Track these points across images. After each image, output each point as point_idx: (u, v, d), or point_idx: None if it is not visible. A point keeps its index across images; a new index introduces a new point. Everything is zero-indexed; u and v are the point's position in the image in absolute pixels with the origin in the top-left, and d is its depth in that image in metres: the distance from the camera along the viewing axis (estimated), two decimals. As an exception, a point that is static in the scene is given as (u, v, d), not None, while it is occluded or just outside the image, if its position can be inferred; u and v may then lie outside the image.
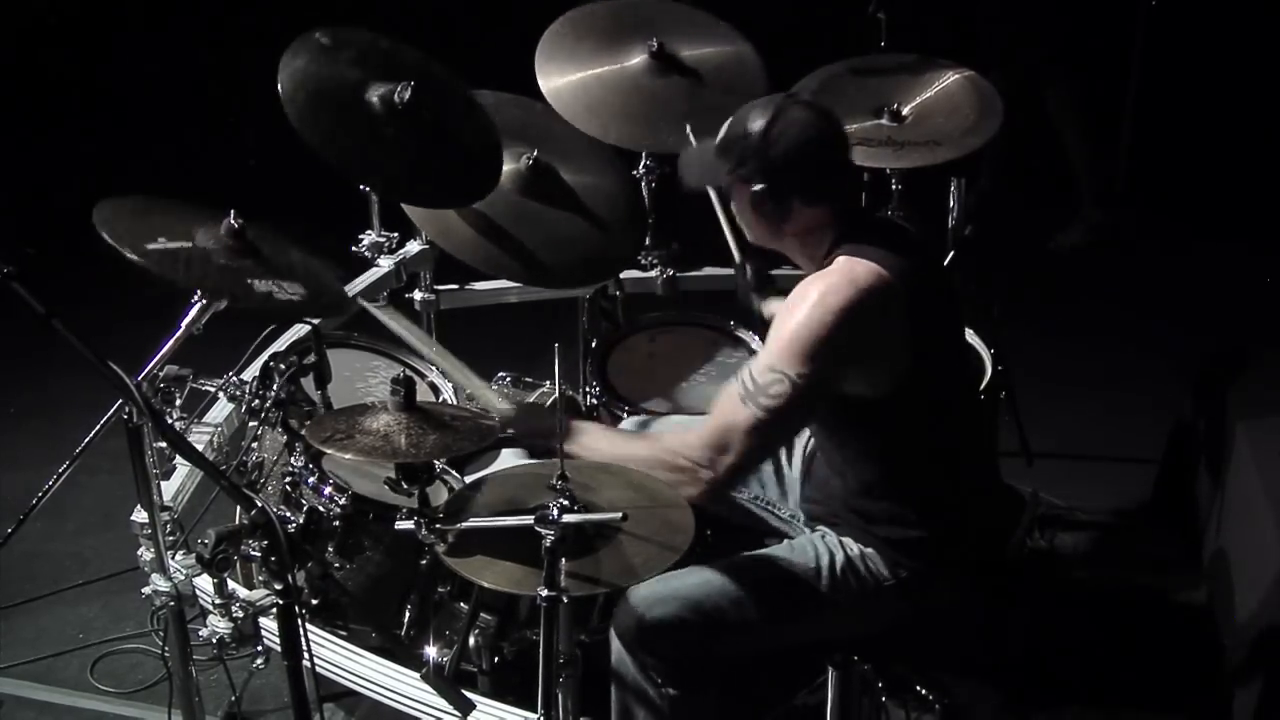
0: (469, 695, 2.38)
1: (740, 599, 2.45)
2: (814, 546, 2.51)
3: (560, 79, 3.29)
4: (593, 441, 2.48)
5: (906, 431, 2.41)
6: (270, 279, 2.49)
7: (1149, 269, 4.97)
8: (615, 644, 2.50)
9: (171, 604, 2.51)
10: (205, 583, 2.44)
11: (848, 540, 2.50)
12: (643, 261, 3.65)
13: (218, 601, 2.19)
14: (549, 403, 2.66)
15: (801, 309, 2.30)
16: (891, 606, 2.49)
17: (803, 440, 2.74)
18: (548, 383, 3.43)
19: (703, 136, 2.60)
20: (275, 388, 2.73)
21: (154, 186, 2.56)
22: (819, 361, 2.28)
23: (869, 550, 2.48)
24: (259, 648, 2.31)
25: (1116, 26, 5.21)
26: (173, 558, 2.53)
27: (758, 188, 2.37)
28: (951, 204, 3.38)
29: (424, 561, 2.75)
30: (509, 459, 2.89)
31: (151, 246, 2.36)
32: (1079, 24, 4.94)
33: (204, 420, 3.00)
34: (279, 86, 2.68)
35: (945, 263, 2.56)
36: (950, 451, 2.50)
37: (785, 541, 2.60)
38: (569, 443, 2.44)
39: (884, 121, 3.28)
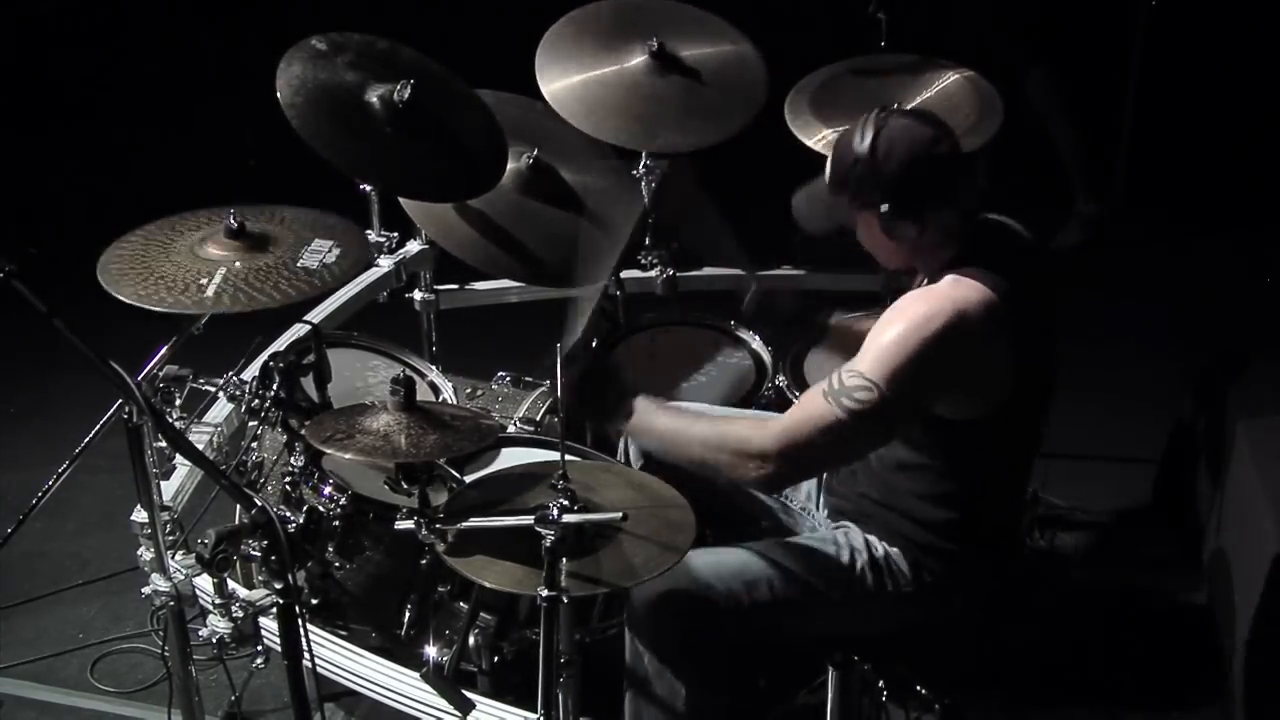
0: (469, 695, 2.38)
1: (755, 583, 2.45)
2: (836, 542, 2.51)
3: (561, 82, 3.29)
4: (655, 421, 2.46)
5: (986, 451, 2.38)
6: (304, 249, 2.51)
7: (1149, 268, 4.97)
8: (628, 634, 2.50)
9: (171, 604, 2.52)
10: (205, 583, 2.44)
11: (872, 538, 2.50)
12: (643, 261, 3.65)
13: (218, 601, 2.19)
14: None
15: (903, 326, 2.25)
16: (906, 609, 2.49)
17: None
18: (547, 382, 3.44)
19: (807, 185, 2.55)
20: (275, 388, 2.73)
21: (128, 205, 2.57)
22: (911, 383, 2.23)
23: (894, 550, 2.47)
24: (259, 648, 2.31)
25: (1115, 25, 5.21)
26: (173, 558, 2.53)
27: (884, 209, 2.31)
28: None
29: (424, 561, 2.76)
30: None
31: (209, 293, 2.38)
32: (1056, 14, 4.94)
33: (204, 420, 3.00)
34: (278, 94, 2.68)
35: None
36: (1010, 468, 2.50)
37: (807, 532, 2.59)
38: (635, 417, 2.45)
39: (885, 122, 3.28)
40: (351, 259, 2.56)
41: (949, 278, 2.29)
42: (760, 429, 2.34)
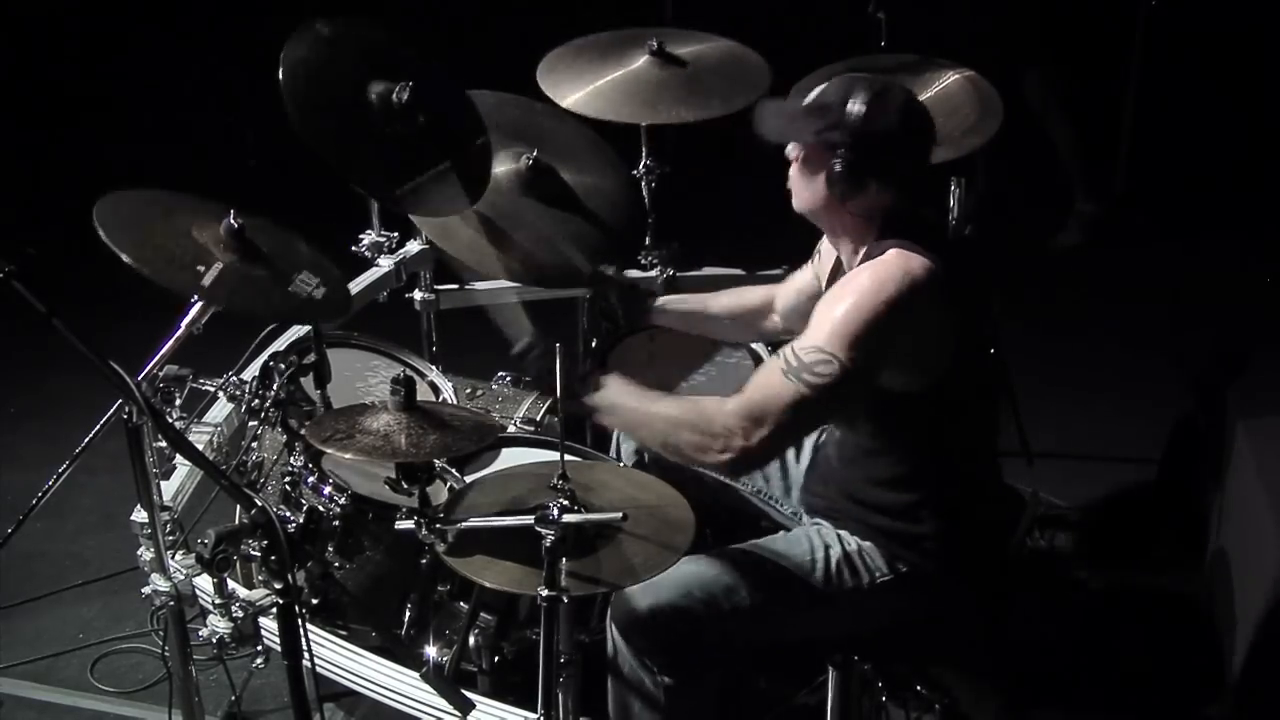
0: (469, 695, 2.38)
1: (733, 588, 2.44)
2: (809, 539, 2.51)
3: (572, 97, 3.31)
4: (620, 397, 2.43)
5: (931, 428, 2.40)
6: (295, 276, 2.53)
7: (1149, 268, 4.97)
8: (612, 632, 2.50)
9: (171, 604, 2.52)
10: (205, 583, 2.44)
11: (845, 533, 2.50)
12: (643, 261, 3.65)
13: (218, 601, 2.18)
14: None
15: (854, 295, 2.26)
16: (887, 602, 2.48)
17: (812, 434, 2.74)
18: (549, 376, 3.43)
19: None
20: (275, 388, 2.73)
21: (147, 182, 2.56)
22: (868, 349, 2.24)
23: (866, 544, 2.47)
24: (259, 648, 2.31)
25: (1115, 25, 5.21)
26: (173, 558, 2.53)
27: (841, 157, 2.32)
28: (951, 204, 3.38)
29: (424, 561, 2.76)
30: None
31: (205, 282, 2.38)
32: (1055, 13, 4.94)
33: (204, 420, 3.01)
34: (280, 78, 2.66)
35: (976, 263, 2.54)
36: (965, 450, 2.50)
37: (781, 533, 2.59)
38: (596, 397, 2.43)
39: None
40: (332, 304, 2.60)
41: (893, 250, 2.31)
42: (720, 406, 2.31)
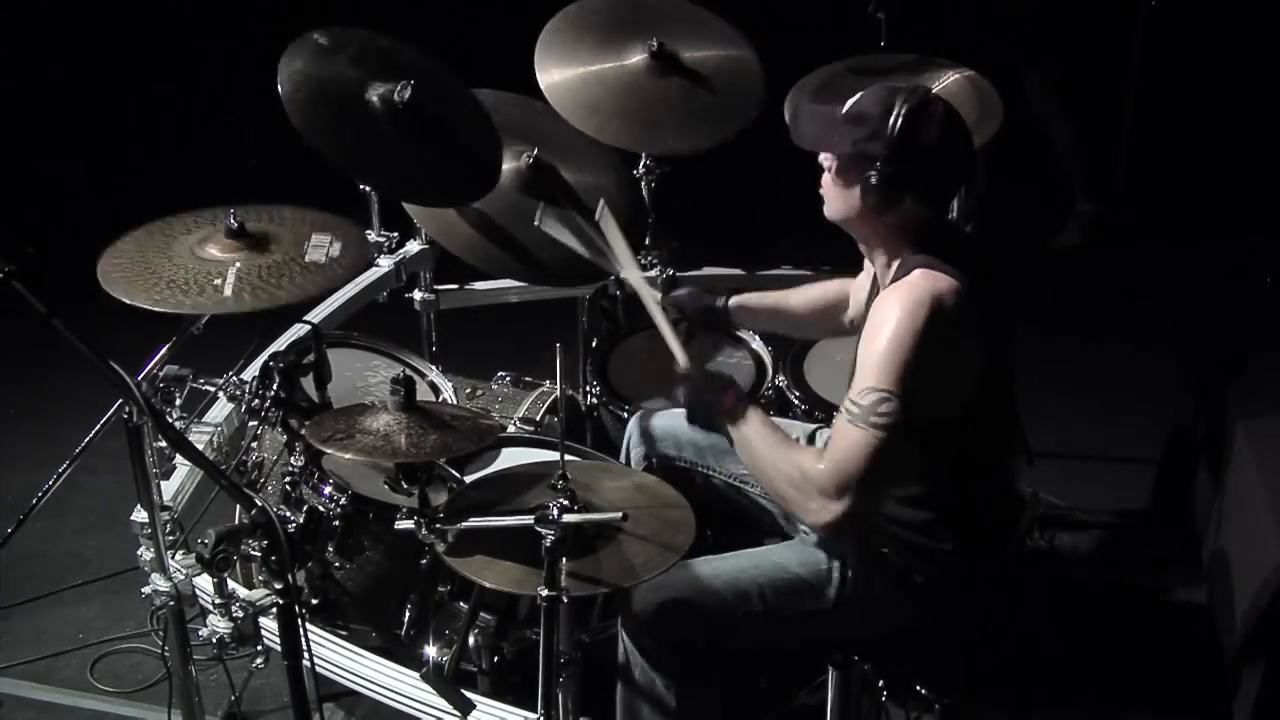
0: (469, 695, 2.38)
1: (747, 594, 2.44)
2: (824, 546, 2.50)
3: (559, 75, 3.28)
4: (752, 435, 2.40)
5: (953, 449, 2.38)
6: (306, 245, 2.52)
7: (1149, 268, 4.97)
8: (622, 637, 2.50)
9: (171, 604, 2.52)
10: (205, 582, 2.45)
11: (861, 541, 2.50)
12: (643, 261, 3.65)
13: (218, 601, 2.19)
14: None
15: (891, 326, 2.24)
16: (899, 610, 2.48)
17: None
18: (547, 382, 3.44)
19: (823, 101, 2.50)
20: (275, 388, 2.73)
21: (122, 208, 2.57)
22: (916, 374, 2.22)
23: (883, 552, 2.46)
24: (259, 648, 2.31)
25: (1115, 25, 5.21)
26: (173, 557, 2.54)
27: (879, 168, 2.29)
28: (951, 204, 3.37)
29: (424, 561, 2.76)
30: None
31: (227, 292, 2.38)
32: (1055, 13, 4.94)
33: (204, 420, 3.01)
34: (279, 88, 2.67)
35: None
36: (985, 467, 2.49)
37: (797, 538, 2.59)
38: (733, 425, 2.41)
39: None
40: (352, 253, 2.58)
41: (918, 272, 2.29)
42: (815, 464, 2.29)
